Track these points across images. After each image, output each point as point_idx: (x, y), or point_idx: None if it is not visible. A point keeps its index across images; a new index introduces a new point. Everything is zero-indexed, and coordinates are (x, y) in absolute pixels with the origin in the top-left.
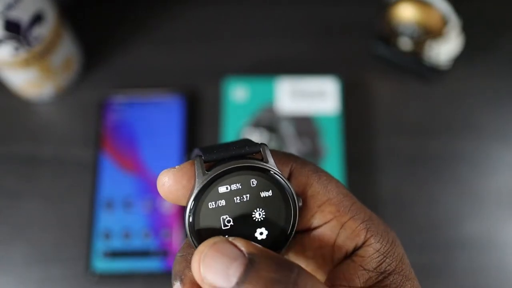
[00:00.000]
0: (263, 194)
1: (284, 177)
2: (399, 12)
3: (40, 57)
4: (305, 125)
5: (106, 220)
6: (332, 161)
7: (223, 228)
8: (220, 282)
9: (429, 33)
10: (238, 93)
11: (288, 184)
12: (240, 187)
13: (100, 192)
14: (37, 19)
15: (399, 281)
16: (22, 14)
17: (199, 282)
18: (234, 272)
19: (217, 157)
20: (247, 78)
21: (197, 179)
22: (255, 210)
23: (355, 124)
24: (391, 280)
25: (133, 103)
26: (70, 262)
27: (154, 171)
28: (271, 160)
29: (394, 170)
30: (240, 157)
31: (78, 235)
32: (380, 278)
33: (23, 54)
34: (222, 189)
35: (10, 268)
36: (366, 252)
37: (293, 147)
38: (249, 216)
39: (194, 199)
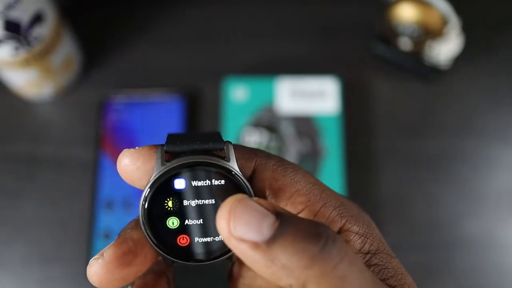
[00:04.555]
0: (219, 192)
1: (244, 178)
2: (399, 12)
3: (40, 57)
4: (305, 125)
5: (106, 220)
6: (332, 161)
7: (173, 225)
8: (251, 235)
9: (429, 33)
10: (238, 93)
11: (247, 185)
12: (197, 183)
13: (100, 192)
14: (37, 19)
15: (385, 259)
16: (22, 14)
17: (226, 236)
18: (268, 224)
19: (179, 149)
20: (247, 78)
21: (155, 168)
22: (210, 207)
23: (355, 124)
24: (378, 259)
25: (133, 103)
26: (70, 262)
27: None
28: (233, 160)
29: (394, 170)
30: (202, 152)
31: (78, 235)
32: (366, 258)
33: (23, 54)
34: (178, 182)
35: (10, 268)
36: (346, 237)
37: (293, 147)
38: (204, 213)
39: (150, 187)
